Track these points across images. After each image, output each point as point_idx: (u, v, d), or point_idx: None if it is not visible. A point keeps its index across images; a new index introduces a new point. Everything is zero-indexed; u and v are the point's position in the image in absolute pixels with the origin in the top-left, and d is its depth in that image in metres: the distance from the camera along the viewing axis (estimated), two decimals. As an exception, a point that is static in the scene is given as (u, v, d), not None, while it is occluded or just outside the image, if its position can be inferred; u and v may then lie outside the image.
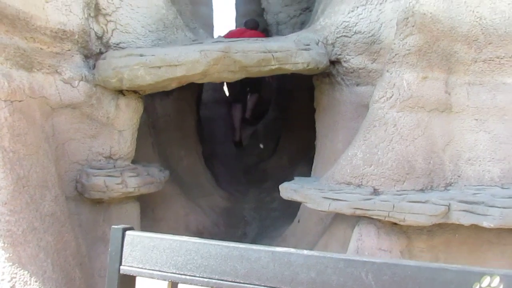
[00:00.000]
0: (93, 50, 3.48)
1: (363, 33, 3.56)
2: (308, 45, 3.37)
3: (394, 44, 2.91)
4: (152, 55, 2.79)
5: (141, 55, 2.84)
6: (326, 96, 3.88)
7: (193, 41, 3.96)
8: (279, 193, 3.14)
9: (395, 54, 2.89)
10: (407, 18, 2.86)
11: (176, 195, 4.30)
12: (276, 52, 2.98)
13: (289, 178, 5.25)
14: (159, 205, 4.07)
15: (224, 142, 6.35)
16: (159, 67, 2.75)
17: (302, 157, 5.34)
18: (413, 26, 2.85)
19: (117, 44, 3.68)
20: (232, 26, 7.35)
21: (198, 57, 2.70)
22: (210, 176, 5.21)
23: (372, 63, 3.56)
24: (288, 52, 3.03)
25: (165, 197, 4.09)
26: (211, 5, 6.66)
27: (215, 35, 6.18)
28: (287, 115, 6.03)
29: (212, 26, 6.64)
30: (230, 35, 5.72)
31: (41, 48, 2.95)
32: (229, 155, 6.29)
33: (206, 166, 5.24)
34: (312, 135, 4.20)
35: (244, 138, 6.71)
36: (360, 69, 3.60)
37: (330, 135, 3.78)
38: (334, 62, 3.71)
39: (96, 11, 3.57)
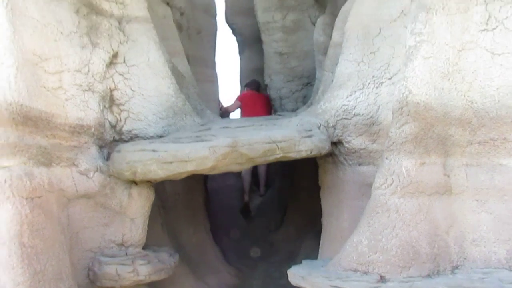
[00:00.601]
0: (107, 139, 3.70)
1: (362, 115, 3.76)
2: (310, 130, 3.58)
3: (391, 132, 3.09)
4: (165, 151, 2.99)
5: (153, 151, 3.04)
6: (330, 174, 4.03)
7: (201, 125, 4.20)
8: (287, 268, 3.22)
9: (393, 142, 3.06)
10: (402, 108, 3.06)
11: (185, 275, 4.34)
12: (281, 142, 3.18)
13: (297, 251, 5.33)
14: (168, 286, 4.10)
15: (231, 214, 6.44)
16: (171, 163, 2.94)
17: (310, 229, 5.39)
18: (408, 115, 3.04)
19: (130, 131, 3.92)
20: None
21: (207, 153, 2.90)
22: (218, 252, 5.26)
23: (372, 143, 3.73)
24: (292, 141, 3.23)
25: (174, 278, 4.13)
26: (217, 82, 7.05)
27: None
28: (294, 185, 6.16)
29: (218, 101, 6.98)
30: (244, 98, 6.24)
31: (60, 143, 3.17)
32: (237, 227, 6.35)
33: (214, 241, 5.30)
34: (319, 206, 4.29)
35: (252, 209, 6.79)
36: (361, 149, 3.77)
37: (336, 214, 3.88)
38: (336, 143, 3.89)
39: (110, 102, 3.84)
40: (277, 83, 6.11)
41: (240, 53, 7.35)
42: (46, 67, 3.15)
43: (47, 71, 3.15)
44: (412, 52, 3.19)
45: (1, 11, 2.84)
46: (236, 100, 6.30)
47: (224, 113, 6.49)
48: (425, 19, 3.19)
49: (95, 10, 3.72)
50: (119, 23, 4.02)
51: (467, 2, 3.24)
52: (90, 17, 3.65)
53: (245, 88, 6.45)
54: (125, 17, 4.07)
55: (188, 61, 5.83)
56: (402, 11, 3.64)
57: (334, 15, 5.01)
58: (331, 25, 5.03)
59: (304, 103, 5.83)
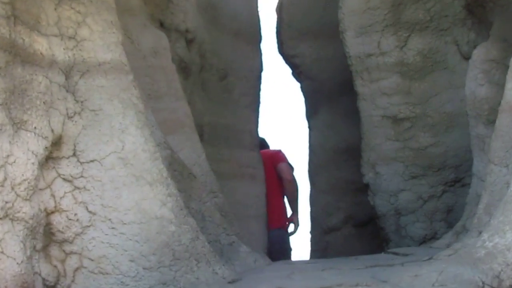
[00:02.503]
0: (38, 318, 3.93)
1: None
2: (462, 299, 3.67)
3: None
4: None
5: None
6: None
7: (228, 283, 4.37)
8: None
9: None
10: None
11: None
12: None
13: None
14: None
15: None
16: None
17: None
18: None
19: (83, 299, 4.16)
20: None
21: None
22: None
23: None
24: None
25: None
26: (262, 175, 7.31)
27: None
28: None
29: (265, 216, 7.22)
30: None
31: None
32: None
33: None
34: None
35: None
36: None
37: None
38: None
39: (47, 239, 4.10)
40: (389, 181, 6.31)
41: (310, 115, 7.69)
42: None
43: None
44: None
45: None
46: None
47: None
48: None
49: (21, 57, 4.09)
50: (66, 78, 4.38)
51: None
52: (12, 72, 4.01)
53: None
54: (78, 65, 4.44)
55: (202, 137, 6.15)
56: None
57: (509, 41, 5.25)
58: (503, 64, 5.25)
59: (449, 224, 5.94)
